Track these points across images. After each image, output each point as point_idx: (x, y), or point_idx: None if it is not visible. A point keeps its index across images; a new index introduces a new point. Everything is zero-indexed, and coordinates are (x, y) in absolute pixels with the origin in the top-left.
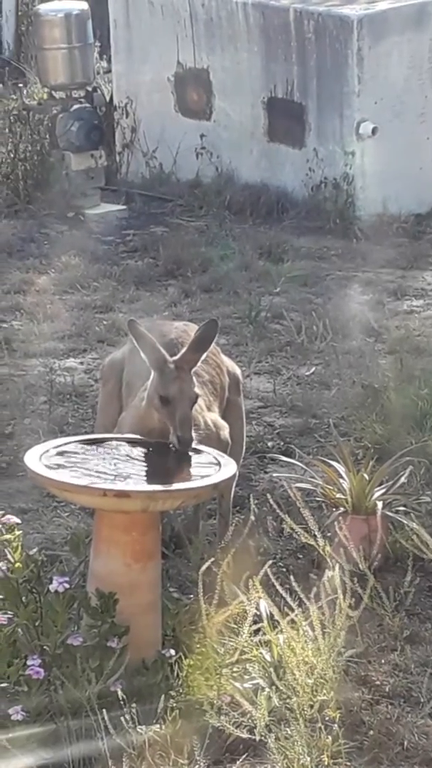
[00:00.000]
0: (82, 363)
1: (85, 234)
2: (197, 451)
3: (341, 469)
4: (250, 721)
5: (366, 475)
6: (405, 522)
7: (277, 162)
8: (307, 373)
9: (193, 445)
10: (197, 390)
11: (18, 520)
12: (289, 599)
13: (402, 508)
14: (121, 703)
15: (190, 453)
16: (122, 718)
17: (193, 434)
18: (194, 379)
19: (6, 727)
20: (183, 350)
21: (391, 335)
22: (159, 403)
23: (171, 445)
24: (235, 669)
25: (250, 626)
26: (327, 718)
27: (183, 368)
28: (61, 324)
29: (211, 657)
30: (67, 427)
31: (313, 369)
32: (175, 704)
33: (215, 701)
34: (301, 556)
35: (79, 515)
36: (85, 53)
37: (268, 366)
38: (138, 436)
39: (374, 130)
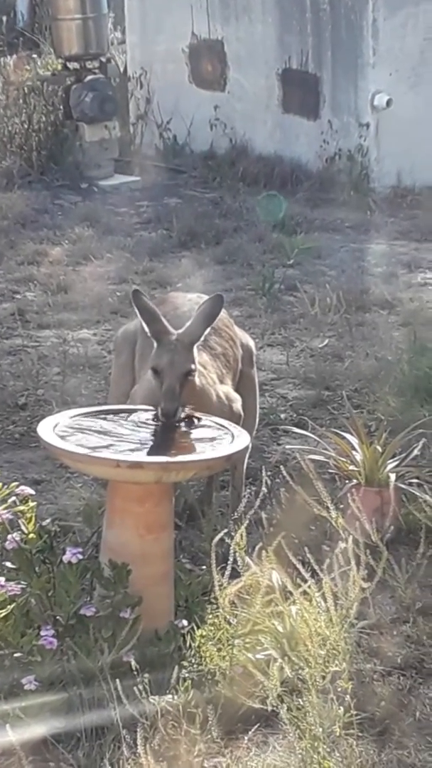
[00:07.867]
0: (95, 334)
1: (99, 205)
2: (212, 423)
3: (354, 441)
4: (262, 691)
5: (379, 447)
6: (418, 494)
7: (291, 133)
8: (321, 346)
9: (205, 418)
10: (194, 365)
11: (31, 491)
12: (302, 570)
13: (415, 481)
14: (134, 672)
15: (188, 426)
16: (135, 688)
17: (179, 408)
18: (195, 353)
19: (19, 696)
20: (186, 324)
21: (404, 307)
22: (152, 374)
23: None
24: (247, 640)
25: (263, 597)
26: (339, 689)
27: (182, 341)
28: (75, 295)
29: (223, 627)
30: (80, 398)
31: (327, 341)
32: (187, 674)
33: (227, 672)
34: (313, 528)
35: (92, 486)
36: (99, 24)
37: (281, 338)
38: (151, 408)
39: (389, 102)
